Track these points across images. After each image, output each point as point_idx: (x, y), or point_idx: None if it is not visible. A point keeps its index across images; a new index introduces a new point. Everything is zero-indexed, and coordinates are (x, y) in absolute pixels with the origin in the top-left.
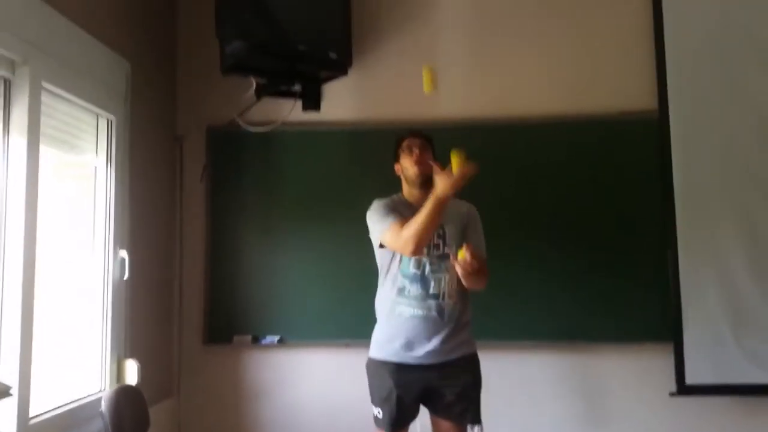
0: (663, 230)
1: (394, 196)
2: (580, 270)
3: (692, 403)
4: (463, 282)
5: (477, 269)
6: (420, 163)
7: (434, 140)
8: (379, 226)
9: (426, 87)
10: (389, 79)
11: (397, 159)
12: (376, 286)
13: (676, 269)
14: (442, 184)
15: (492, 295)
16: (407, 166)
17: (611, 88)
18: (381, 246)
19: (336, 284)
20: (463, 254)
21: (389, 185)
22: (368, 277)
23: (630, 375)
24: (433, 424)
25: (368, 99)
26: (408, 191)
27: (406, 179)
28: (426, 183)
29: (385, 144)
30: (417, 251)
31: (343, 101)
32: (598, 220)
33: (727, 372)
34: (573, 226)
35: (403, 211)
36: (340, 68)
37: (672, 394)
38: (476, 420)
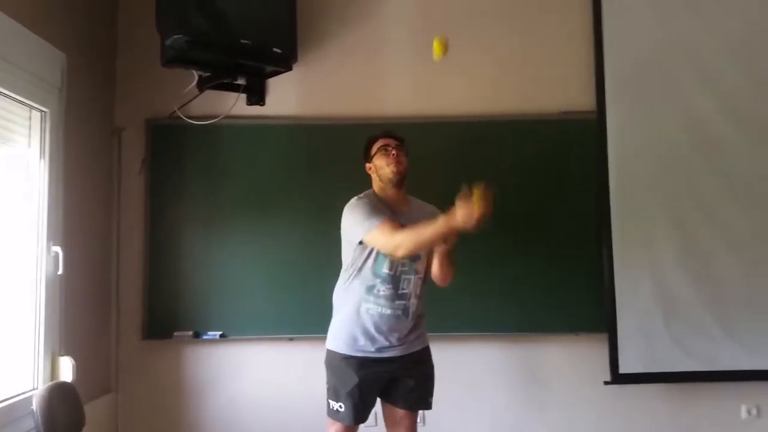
0: (599, 225)
1: (370, 193)
2: (520, 263)
3: (626, 391)
4: (438, 275)
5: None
6: (397, 163)
7: None
8: (366, 223)
9: (437, 53)
10: (334, 75)
11: (368, 158)
12: (320, 281)
13: (611, 263)
14: (463, 215)
15: (432, 287)
16: (382, 166)
17: (553, 89)
18: (360, 243)
19: (279, 279)
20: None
21: (332, 181)
22: (312, 271)
23: (567, 364)
24: (387, 412)
25: (313, 94)
26: (381, 190)
27: (380, 178)
28: (400, 183)
29: (329, 139)
30: (405, 257)
31: (287, 96)
32: (539, 215)
33: (658, 361)
34: (514, 222)
35: (384, 210)
36: (285, 63)
37: (606, 383)
38: (429, 406)
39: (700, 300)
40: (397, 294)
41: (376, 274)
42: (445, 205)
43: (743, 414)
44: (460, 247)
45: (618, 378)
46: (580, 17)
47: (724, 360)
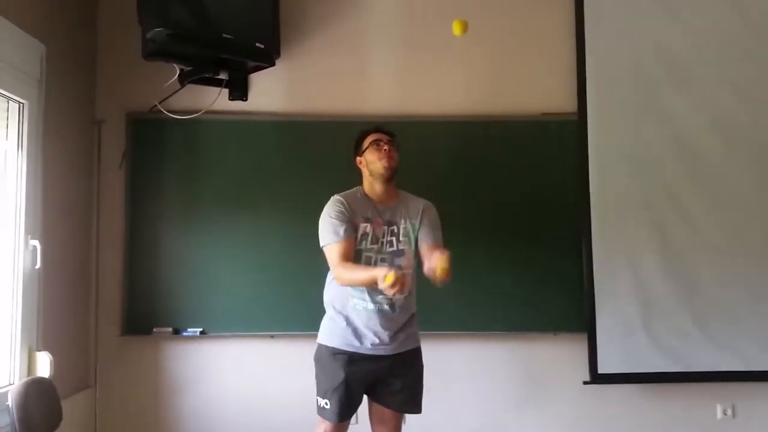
0: (579, 226)
1: (355, 191)
2: (500, 263)
3: (604, 390)
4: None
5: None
6: (389, 158)
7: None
8: (325, 236)
9: (456, 30)
10: (317, 71)
11: (359, 152)
12: (301, 278)
13: (590, 264)
14: (385, 282)
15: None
16: (374, 161)
17: (534, 90)
18: None
19: (260, 276)
20: (441, 270)
21: (314, 177)
22: (293, 269)
23: (547, 364)
24: (374, 410)
25: (296, 90)
26: (369, 185)
27: (371, 173)
28: (390, 178)
29: (312, 136)
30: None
31: (270, 92)
32: (519, 215)
33: (636, 361)
34: (495, 222)
35: (360, 209)
36: (268, 59)
37: (585, 383)
38: (417, 409)
39: (678, 301)
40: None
41: None
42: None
43: (719, 414)
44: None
45: (597, 378)
46: (562, 20)
47: (700, 360)
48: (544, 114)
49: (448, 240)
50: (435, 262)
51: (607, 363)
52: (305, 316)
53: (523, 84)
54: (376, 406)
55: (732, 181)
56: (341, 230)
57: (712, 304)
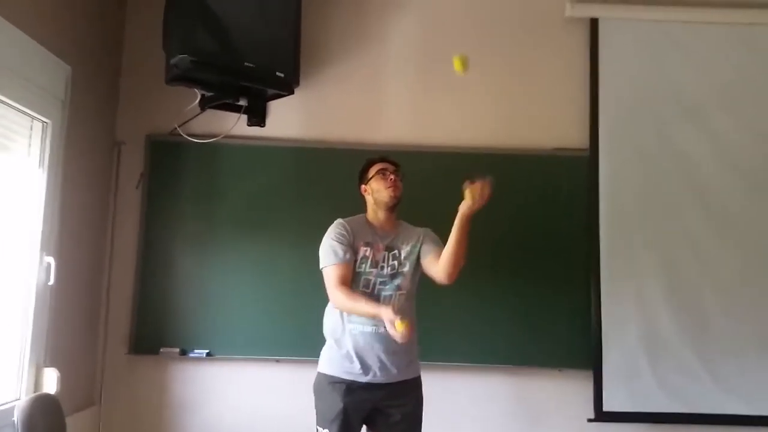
0: (587, 262)
1: (358, 217)
2: (508, 296)
3: (609, 429)
4: (447, 259)
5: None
6: (394, 188)
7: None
8: (324, 258)
9: (457, 66)
10: (334, 101)
11: (364, 180)
12: (309, 304)
13: (598, 300)
14: (388, 327)
15: (419, 317)
16: (380, 189)
17: (546, 125)
18: None
19: (269, 301)
20: (401, 328)
21: (327, 205)
22: (302, 295)
23: (551, 400)
24: None
25: (313, 119)
26: (373, 213)
27: (375, 201)
28: (394, 207)
29: (326, 164)
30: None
31: (288, 119)
32: (528, 249)
33: (642, 400)
34: (503, 254)
35: (362, 234)
36: (287, 87)
37: (590, 420)
38: None
39: (687, 341)
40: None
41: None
42: (439, 236)
43: None
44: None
45: (602, 416)
46: (576, 57)
47: (708, 403)
48: (555, 149)
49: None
50: (397, 322)
51: (612, 401)
52: (311, 341)
53: (535, 119)
54: None
55: (744, 219)
56: (341, 253)
57: (721, 345)
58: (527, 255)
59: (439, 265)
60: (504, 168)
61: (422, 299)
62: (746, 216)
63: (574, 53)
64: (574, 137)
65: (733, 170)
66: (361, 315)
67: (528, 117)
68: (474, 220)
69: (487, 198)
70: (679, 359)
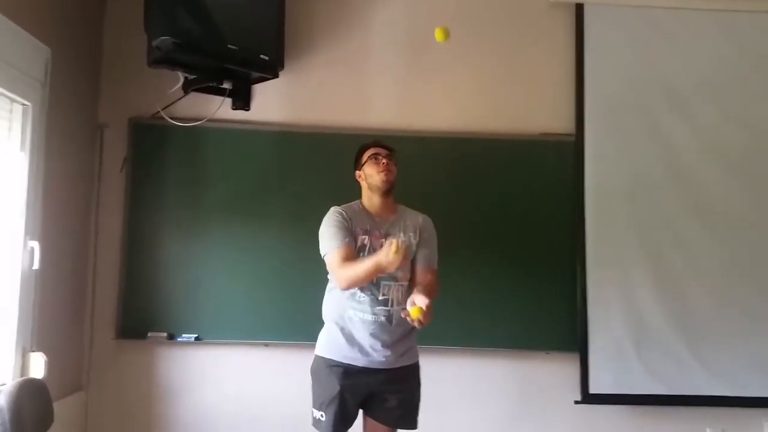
0: (573, 246)
1: (353, 204)
2: (494, 280)
3: (595, 410)
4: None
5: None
6: (387, 172)
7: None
8: (326, 243)
9: (438, 36)
10: (320, 84)
11: (358, 166)
12: (297, 288)
13: (584, 284)
14: (386, 258)
15: None
16: (372, 174)
17: (533, 110)
18: None
19: (257, 284)
20: (417, 314)
21: (314, 188)
22: (290, 278)
23: (538, 382)
24: (368, 425)
25: (298, 102)
26: (368, 199)
27: (369, 186)
28: (388, 192)
29: (313, 148)
30: (347, 290)
31: (272, 102)
32: (515, 233)
33: (628, 383)
34: (490, 239)
35: (359, 221)
36: (271, 70)
37: (577, 402)
38: (413, 425)
39: (670, 324)
40: (377, 300)
41: None
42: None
43: None
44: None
45: (588, 398)
46: (562, 42)
47: (691, 384)
48: (542, 134)
49: (443, 257)
50: (412, 306)
51: (598, 383)
52: (300, 325)
53: (522, 103)
54: (371, 421)
55: (727, 207)
56: (342, 237)
57: (705, 328)
58: (514, 239)
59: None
60: (490, 153)
61: None
62: (730, 202)
63: (559, 39)
64: (561, 122)
65: (717, 156)
66: (369, 276)
67: (514, 102)
68: (462, 204)
69: (402, 260)
70: (663, 343)
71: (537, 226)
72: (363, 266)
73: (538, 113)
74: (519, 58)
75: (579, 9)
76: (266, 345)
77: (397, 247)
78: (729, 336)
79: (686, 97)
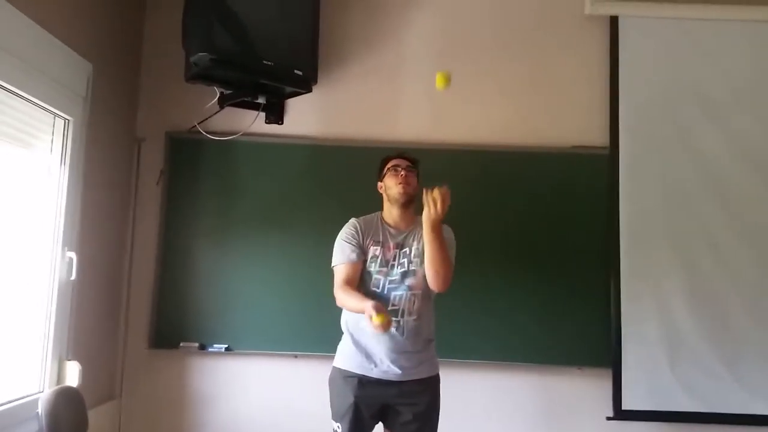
0: (607, 260)
1: (373, 216)
2: (527, 293)
3: (628, 427)
4: (427, 269)
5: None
6: (405, 184)
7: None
8: (334, 256)
9: (439, 82)
10: (352, 98)
11: (380, 178)
12: (327, 300)
13: (618, 298)
14: (368, 319)
15: (437, 314)
16: (391, 186)
17: (565, 123)
18: None
19: (287, 296)
20: (378, 321)
21: (345, 201)
22: (320, 291)
23: (570, 397)
24: None
25: (331, 116)
26: (388, 210)
27: (388, 198)
28: (407, 203)
29: (344, 161)
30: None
31: (305, 117)
32: (547, 246)
33: (662, 399)
34: (523, 252)
35: (373, 233)
36: (305, 85)
37: (609, 418)
38: None
39: (707, 340)
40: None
41: (366, 292)
42: (455, 235)
43: None
44: (469, 271)
45: (620, 414)
46: (596, 55)
47: (728, 402)
48: (574, 147)
49: (473, 270)
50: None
51: (631, 399)
52: (329, 337)
53: (554, 116)
54: None
55: (765, 217)
56: (349, 253)
57: (743, 343)
58: (546, 253)
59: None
60: (522, 166)
61: (441, 297)
62: (766, 215)
63: (593, 51)
64: (594, 135)
65: (754, 168)
66: (355, 311)
67: (547, 114)
68: (492, 218)
69: (445, 206)
70: (699, 358)
71: (568, 240)
72: (352, 302)
73: (571, 126)
74: (552, 71)
75: (613, 21)
76: (295, 356)
77: (380, 323)
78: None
79: (721, 108)
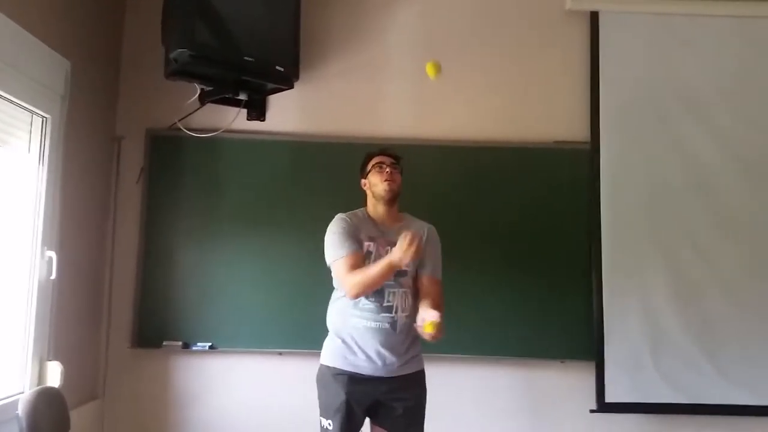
0: (589, 255)
1: (358, 212)
2: (510, 289)
3: (611, 420)
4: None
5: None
6: (390, 181)
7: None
8: (332, 252)
9: (430, 72)
10: (334, 95)
11: (364, 174)
12: (311, 296)
13: (600, 292)
14: (399, 252)
15: None
16: (376, 183)
17: (547, 118)
18: None
19: (271, 293)
20: (431, 329)
21: (328, 198)
22: (303, 287)
23: (554, 391)
24: None
25: (313, 113)
26: (372, 207)
27: (373, 195)
28: (392, 200)
29: (326, 157)
30: (356, 298)
31: (287, 113)
32: (530, 242)
33: (644, 392)
34: (505, 247)
35: (364, 228)
36: (287, 81)
37: (592, 411)
38: None
39: (688, 333)
40: (381, 307)
41: None
42: (435, 225)
43: None
44: (452, 266)
45: (604, 407)
46: (577, 50)
47: (709, 393)
48: (556, 142)
49: (457, 264)
50: (425, 322)
51: (614, 392)
52: (314, 334)
53: (536, 111)
54: (378, 429)
55: (747, 214)
56: (349, 245)
57: (724, 336)
58: (529, 247)
59: (417, 320)
60: (504, 161)
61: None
62: (749, 209)
63: (574, 46)
64: (576, 130)
65: (735, 163)
66: (382, 278)
67: (529, 110)
68: (476, 213)
69: (416, 252)
70: (681, 350)
71: (552, 235)
72: (375, 268)
73: (553, 121)
74: (534, 66)
75: (594, 16)
76: (280, 354)
77: (412, 238)
78: (749, 344)
79: (704, 104)
